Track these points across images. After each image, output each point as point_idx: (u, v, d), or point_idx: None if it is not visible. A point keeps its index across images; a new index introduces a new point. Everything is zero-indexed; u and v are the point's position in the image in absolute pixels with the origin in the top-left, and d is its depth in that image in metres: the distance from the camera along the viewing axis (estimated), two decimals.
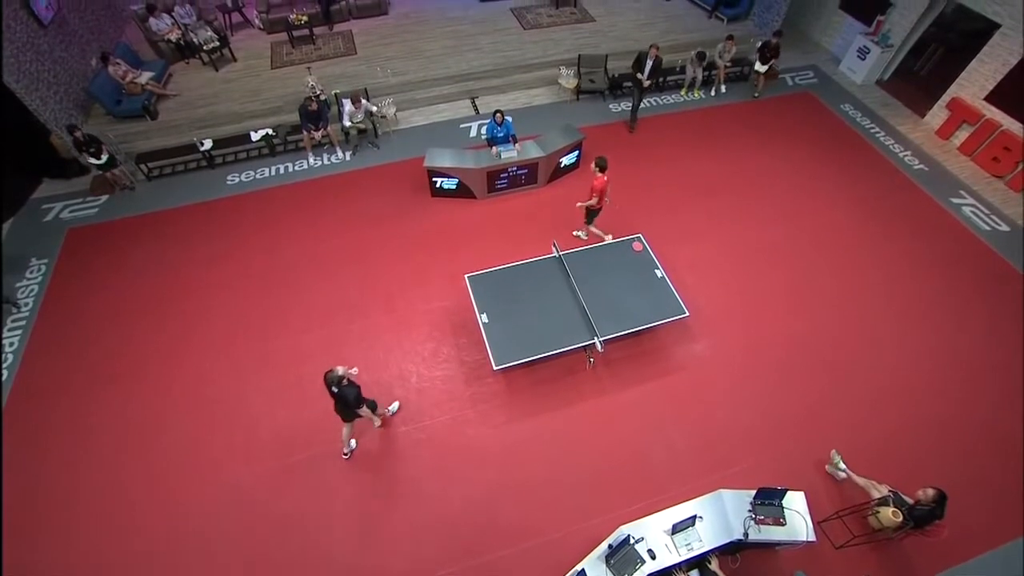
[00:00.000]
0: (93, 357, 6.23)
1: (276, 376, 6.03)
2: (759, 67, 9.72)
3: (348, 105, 8.40)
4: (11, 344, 6.35)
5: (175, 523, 4.99)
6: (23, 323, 6.56)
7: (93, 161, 7.78)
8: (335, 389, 4.70)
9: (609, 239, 7.03)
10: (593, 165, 6.45)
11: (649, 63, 8.58)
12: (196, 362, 6.17)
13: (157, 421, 5.68)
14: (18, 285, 6.98)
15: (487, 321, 5.70)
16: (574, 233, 7.47)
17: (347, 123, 8.47)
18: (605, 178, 6.39)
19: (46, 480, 5.26)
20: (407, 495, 5.18)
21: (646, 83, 8.76)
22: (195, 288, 6.93)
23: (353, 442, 5.47)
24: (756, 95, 10.16)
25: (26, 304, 6.76)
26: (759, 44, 9.78)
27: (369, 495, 5.18)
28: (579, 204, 6.78)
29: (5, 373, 6.06)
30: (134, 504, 5.10)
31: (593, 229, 7.19)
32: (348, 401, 4.80)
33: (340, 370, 4.67)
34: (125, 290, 6.92)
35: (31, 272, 7.15)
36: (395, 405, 5.72)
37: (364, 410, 5.02)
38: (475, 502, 5.12)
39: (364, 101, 8.49)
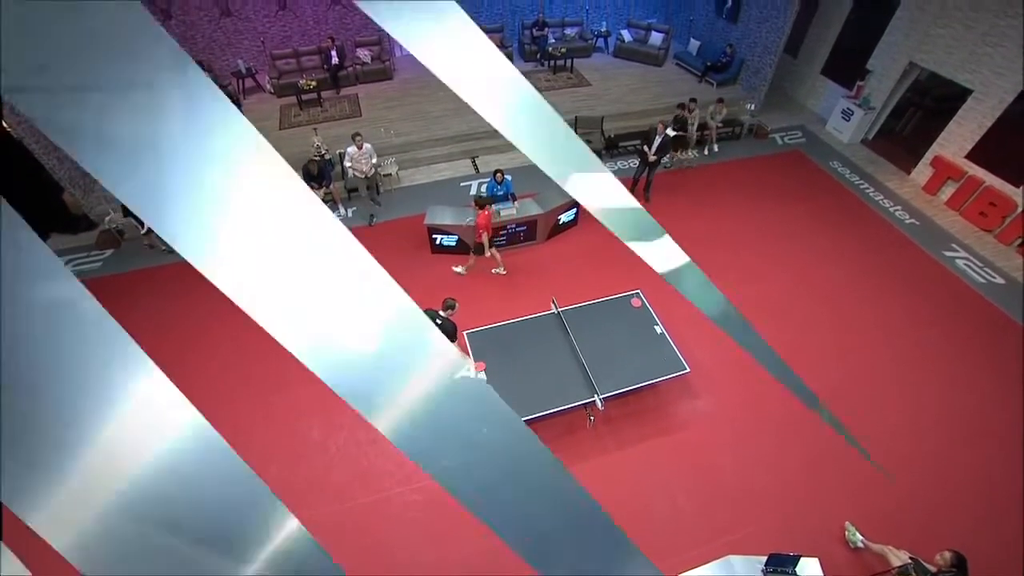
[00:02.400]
0: None
1: (275, 431, 5.91)
2: (669, 131, 9.05)
3: (351, 147, 8.42)
4: None
5: None
6: None
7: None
8: (438, 321, 5.08)
9: (502, 271, 7.77)
10: (474, 203, 7.10)
11: (657, 140, 8.55)
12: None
13: None
14: None
15: (485, 379, 5.63)
16: (454, 269, 7.87)
17: (347, 164, 8.53)
18: (487, 212, 7.01)
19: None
20: (401, 564, 4.92)
21: (651, 157, 8.70)
22: (196, 341, 6.91)
23: None
24: (667, 164, 9.83)
25: None
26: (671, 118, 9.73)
27: (365, 564, 4.93)
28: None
29: None
30: None
31: (495, 256, 7.57)
32: (448, 331, 5.32)
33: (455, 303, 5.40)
34: None
35: None
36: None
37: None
38: (472, 568, 4.86)
39: (368, 144, 8.49)
